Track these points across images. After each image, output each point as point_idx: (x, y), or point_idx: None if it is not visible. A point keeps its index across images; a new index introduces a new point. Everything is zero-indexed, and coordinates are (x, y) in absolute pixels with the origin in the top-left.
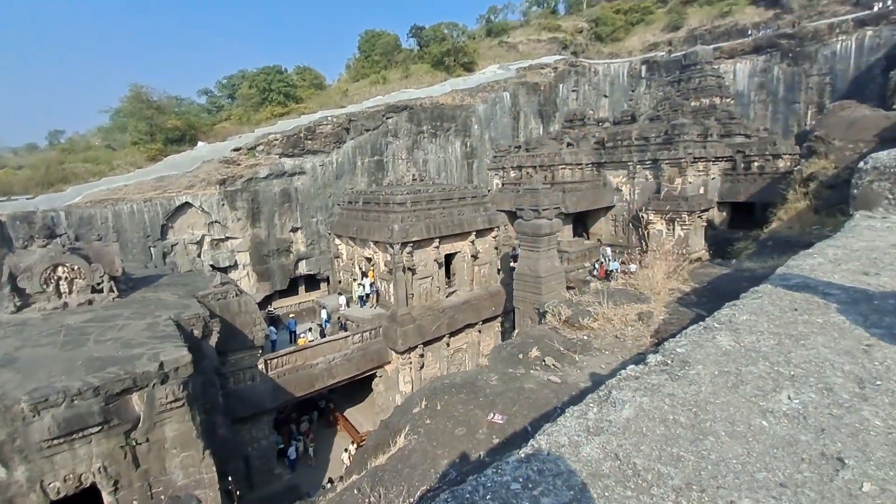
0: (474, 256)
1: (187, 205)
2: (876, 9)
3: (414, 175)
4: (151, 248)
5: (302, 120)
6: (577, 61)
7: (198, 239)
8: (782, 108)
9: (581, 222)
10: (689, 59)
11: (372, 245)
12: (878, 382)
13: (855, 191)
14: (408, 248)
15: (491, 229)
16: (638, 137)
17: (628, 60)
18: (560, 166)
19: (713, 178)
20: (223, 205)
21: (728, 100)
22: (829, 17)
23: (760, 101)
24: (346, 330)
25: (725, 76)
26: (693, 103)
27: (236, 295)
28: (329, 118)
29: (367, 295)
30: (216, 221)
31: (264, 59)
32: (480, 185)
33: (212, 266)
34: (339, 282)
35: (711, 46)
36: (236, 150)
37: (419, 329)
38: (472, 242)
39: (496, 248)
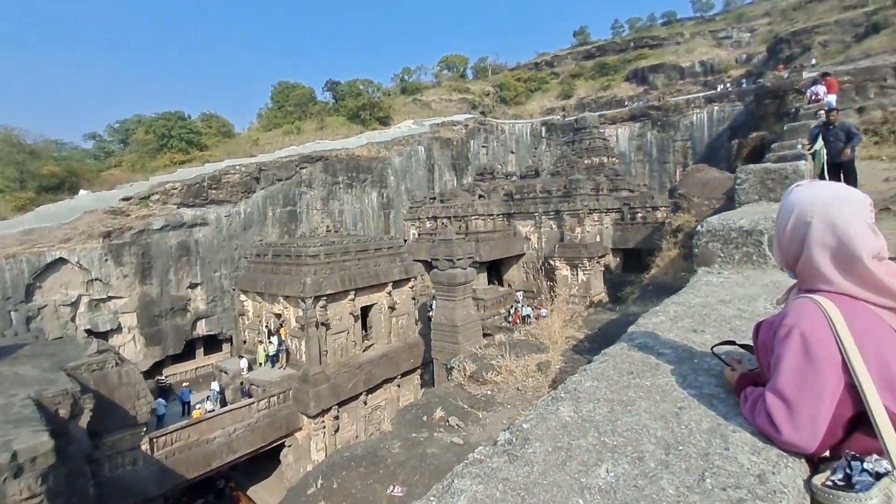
0: (391, 307)
1: (61, 261)
2: (719, 89)
3: (328, 226)
4: (12, 313)
5: (206, 168)
6: (485, 120)
7: (73, 300)
8: (657, 167)
9: (495, 270)
10: (579, 123)
11: (282, 300)
12: (680, 447)
13: (696, 250)
14: (321, 302)
15: (408, 279)
16: (542, 191)
17: (530, 122)
18: (473, 217)
19: (607, 227)
20: (106, 260)
21: (614, 159)
22: (685, 94)
23: (639, 160)
24: (250, 396)
25: (610, 139)
26: (586, 161)
27: (116, 364)
28: (237, 167)
29: (276, 355)
30: (97, 279)
31: (167, 105)
32: (397, 234)
33: (88, 331)
34: (244, 342)
35: (597, 113)
36: (126, 199)
37: (334, 388)
38: (389, 293)
39: (413, 299)
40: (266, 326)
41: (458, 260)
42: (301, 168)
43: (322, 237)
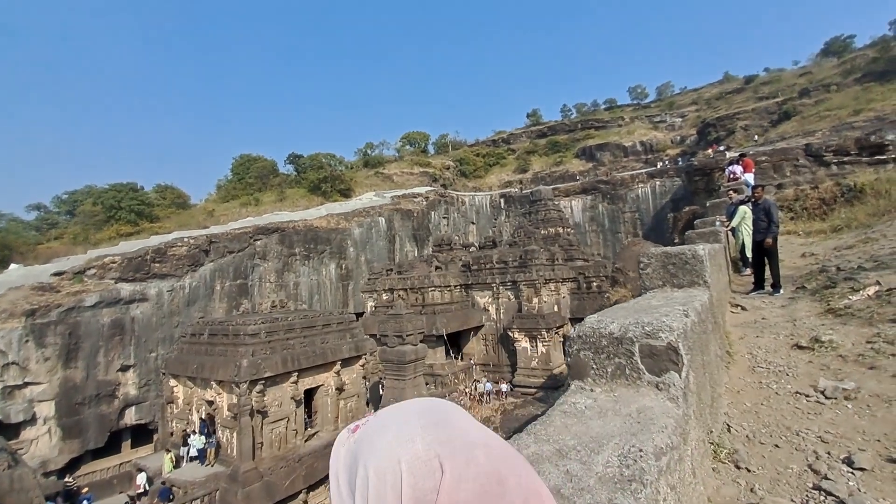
0: (339, 389)
1: None
2: (659, 166)
3: (274, 302)
4: None
5: (151, 241)
6: (446, 192)
7: None
8: (609, 236)
9: (454, 343)
10: (535, 196)
11: (214, 385)
12: None
13: (568, 359)
14: (258, 387)
15: (359, 357)
16: (498, 261)
17: (489, 194)
18: (430, 288)
19: (564, 297)
20: (27, 341)
21: (569, 229)
22: (630, 170)
23: (593, 230)
24: (171, 500)
25: (565, 210)
26: (542, 231)
27: (8, 467)
28: (185, 239)
29: (203, 450)
30: (14, 363)
31: (124, 176)
32: (356, 307)
33: None
34: (171, 434)
35: (551, 186)
36: (58, 274)
37: (268, 488)
38: (338, 373)
39: (364, 378)
40: (198, 415)
41: (407, 336)
42: (255, 240)
43: (264, 314)
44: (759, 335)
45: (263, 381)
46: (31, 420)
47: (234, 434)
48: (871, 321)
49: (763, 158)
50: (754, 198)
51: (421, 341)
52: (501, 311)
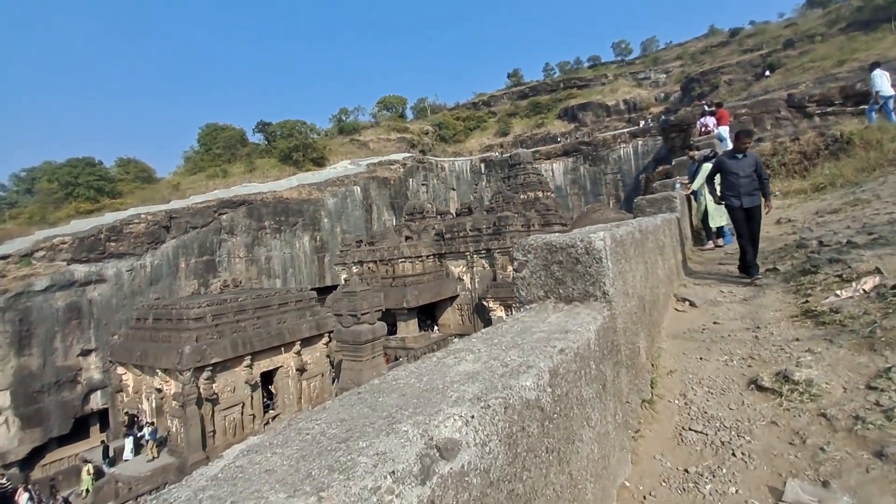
0: (301, 370)
1: None
2: (641, 125)
3: (226, 281)
4: None
5: (105, 218)
6: (424, 158)
7: None
8: (591, 198)
9: (428, 314)
10: (514, 160)
11: (160, 373)
12: None
13: None
14: (205, 374)
15: (321, 335)
16: (472, 229)
17: (469, 159)
18: (400, 259)
19: None
20: None
21: (549, 193)
22: (612, 130)
23: (575, 193)
24: (116, 497)
25: (546, 173)
26: (521, 196)
27: None
28: (143, 215)
29: (155, 440)
30: None
31: (85, 150)
32: (334, 280)
33: None
34: (124, 423)
35: (532, 150)
36: (3, 258)
37: None
38: (298, 353)
39: (328, 357)
40: (148, 404)
41: (363, 314)
42: (220, 214)
43: (212, 295)
44: (704, 356)
45: (211, 368)
46: None
47: (182, 424)
48: (872, 342)
49: (743, 111)
50: (741, 149)
51: (394, 314)
52: (476, 280)
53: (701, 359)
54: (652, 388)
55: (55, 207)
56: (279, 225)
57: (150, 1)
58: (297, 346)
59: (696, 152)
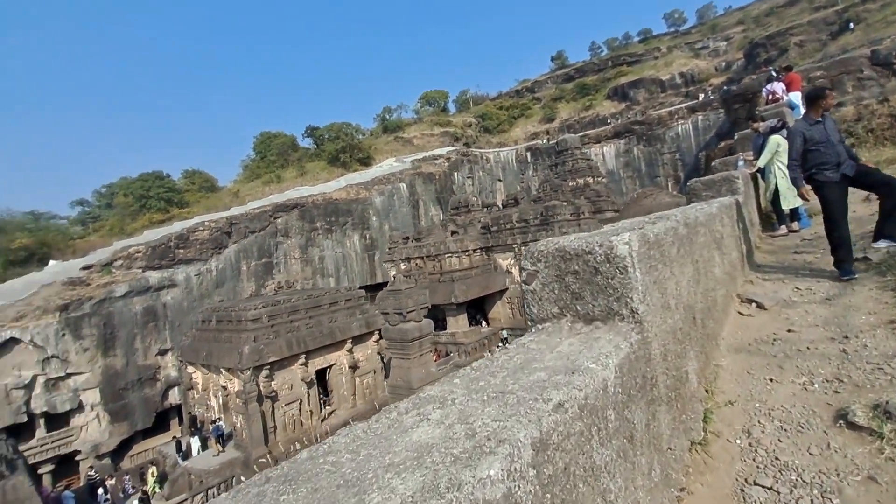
0: (353, 367)
1: (13, 341)
2: (701, 98)
3: (279, 283)
4: None
5: (174, 227)
6: (468, 151)
7: (27, 381)
8: (647, 181)
9: (479, 308)
10: (561, 146)
11: (224, 372)
12: None
13: None
14: (264, 372)
15: (371, 333)
16: (519, 220)
17: (515, 148)
18: (446, 255)
19: None
20: (64, 335)
21: (600, 178)
22: (667, 106)
23: (628, 177)
24: (190, 488)
25: (596, 158)
26: (570, 183)
27: (1, 478)
28: (206, 223)
29: (223, 434)
30: (54, 356)
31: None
32: (385, 276)
33: (46, 413)
34: (196, 419)
35: (580, 134)
36: (87, 268)
37: None
38: (350, 351)
39: (379, 354)
40: (216, 401)
41: (408, 312)
42: (275, 217)
43: (268, 297)
44: (776, 377)
45: (269, 366)
46: (79, 408)
47: (245, 420)
48: None
49: (818, 74)
50: (827, 108)
51: (443, 310)
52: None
53: (771, 380)
54: (705, 423)
55: (131, 219)
56: (330, 225)
57: (196, 19)
58: (348, 344)
59: (761, 123)
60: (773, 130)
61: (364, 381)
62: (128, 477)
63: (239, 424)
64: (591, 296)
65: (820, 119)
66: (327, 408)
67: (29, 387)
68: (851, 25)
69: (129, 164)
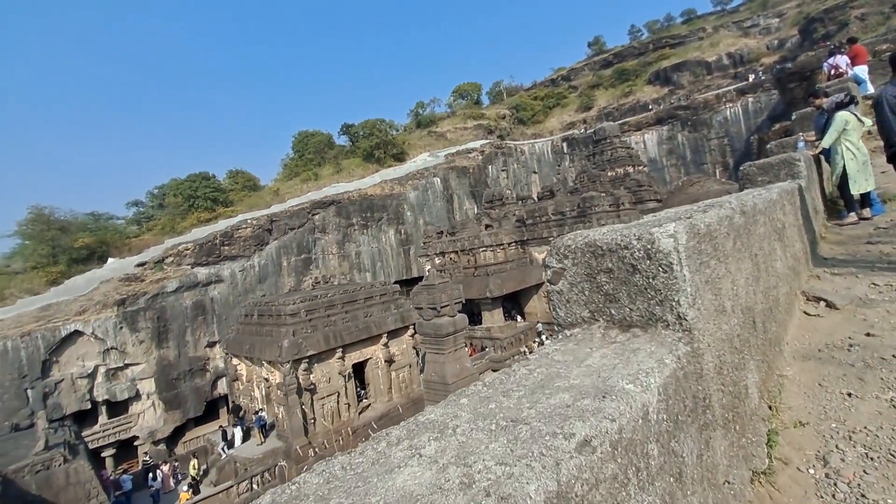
0: (389, 361)
1: (77, 333)
2: (751, 79)
3: (317, 278)
4: (28, 391)
5: (219, 225)
6: (502, 143)
7: (90, 371)
8: (693, 169)
9: (514, 303)
10: (599, 135)
11: (266, 364)
12: None
13: None
14: (303, 365)
15: (406, 328)
16: (555, 212)
17: (550, 139)
18: (481, 249)
19: None
20: (121, 328)
21: (641, 167)
22: (714, 89)
23: (672, 165)
24: (236, 475)
25: (637, 146)
26: (609, 173)
27: (64, 462)
28: (248, 221)
29: (265, 424)
30: (113, 348)
31: (201, 165)
32: (420, 271)
33: (107, 401)
34: (241, 409)
35: (619, 122)
36: (141, 265)
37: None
38: (386, 345)
39: (415, 348)
40: (259, 392)
41: (442, 307)
42: (313, 214)
43: (305, 291)
44: (856, 391)
45: (307, 360)
46: (136, 397)
47: (286, 411)
48: None
49: (884, 47)
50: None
51: (478, 304)
52: None
53: (850, 395)
54: (769, 447)
55: (181, 218)
56: (366, 221)
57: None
58: (384, 339)
59: (825, 99)
60: (840, 106)
61: (400, 375)
62: (178, 464)
63: (280, 415)
64: (627, 298)
65: None
66: (364, 401)
67: (91, 376)
68: None
69: (179, 165)
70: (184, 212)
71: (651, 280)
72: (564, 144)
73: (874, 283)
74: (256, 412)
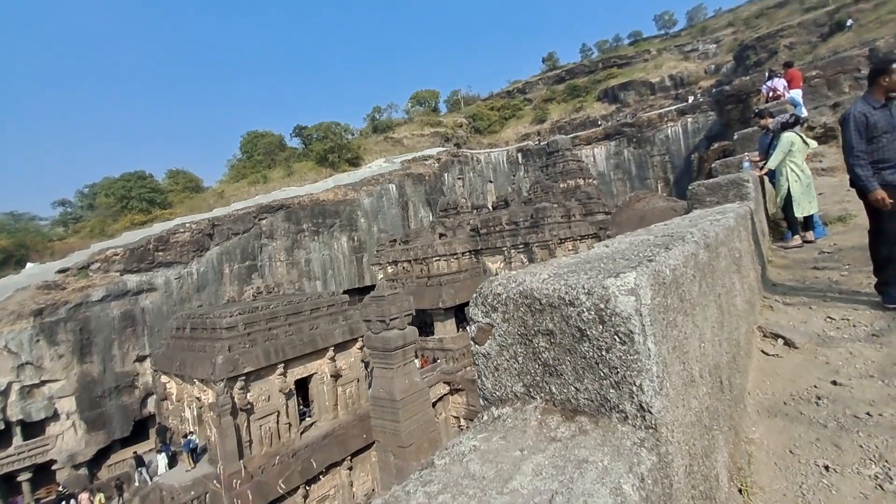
0: (335, 376)
1: None
2: (690, 100)
3: (259, 288)
4: None
5: (154, 229)
6: (459, 152)
7: (1, 389)
8: (637, 183)
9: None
10: (552, 147)
11: (198, 382)
12: None
13: None
14: (239, 383)
15: (354, 340)
16: (508, 222)
17: (506, 149)
18: (434, 258)
19: None
20: (38, 341)
21: (591, 180)
22: (657, 108)
23: (619, 178)
24: None
25: (587, 160)
26: (561, 185)
27: None
28: (187, 224)
29: (196, 448)
30: (28, 363)
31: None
32: (374, 279)
33: (21, 421)
34: (168, 431)
35: (571, 135)
36: (62, 271)
37: (259, 488)
38: (332, 359)
39: (363, 362)
40: (190, 413)
41: (391, 320)
42: (260, 219)
43: (245, 302)
44: (833, 461)
45: (244, 377)
46: (54, 416)
47: (219, 434)
48: None
49: (813, 73)
50: (887, 92)
51: (430, 314)
52: None
53: (827, 469)
54: None
55: (113, 220)
56: (317, 227)
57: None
58: (330, 352)
59: (771, 120)
60: (785, 127)
61: (347, 390)
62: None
63: (213, 438)
64: (573, 373)
65: (885, 102)
66: (308, 419)
67: (4, 394)
68: (850, 22)
69: (115, 163)
70: (116, 213)
71: (604, 353)
72: (519, 155)
73: (830, 318)
74: (185, 435)
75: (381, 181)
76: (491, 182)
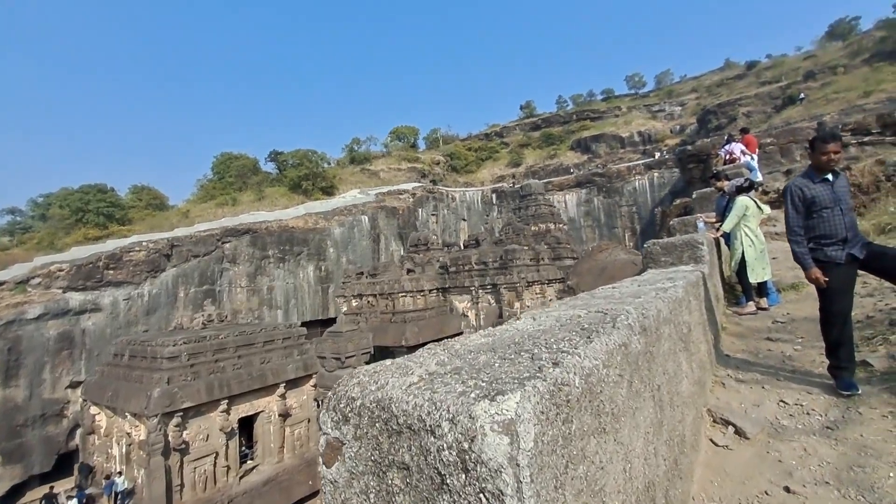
0: (284, 415)
1: None
2: (657, 156)
3: (210, 315)
4: None
5: (106, 245)
6: (434, 188)
7: None
8: (606, 231)
9: None
10: (525, 190)
11: (129, 416)
12: None
13: None
14: (175, 420)
15: (309, 376)
16: (478, 262)
17: (481, 189)
18: (401, 293)
19: (550, 300)
20: None
21: (561, 225)
22: (626, 161)
23: (588, 225)
24: None
25: (559, 205)
26: (533, 228)
27: None
28: (143, 243)
29: (122, 492)
30: None
31: (101, 177)
32: (338, 311)
33: None
34: (92, 471)
35: (544, 180)
36: None
37: None
38: (283, 397)
39: (316, 401)
40: (118, 449)
41: (347, 358)
42: (223, 242)
43: (192, 331)
44: None
45: (181, 413)
46: None
47: (147, 476)
48: None
49: (768, 141)
50: (830, 165)
51: (392, 352)
52: (482, 316)
53: None
54: None
55: (65, 233)
56: (283, 254)
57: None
58: (281, 389)
59: (726, 182)
60: (740, 190)
61: (296, 431)
62: None
63: (140, 480)
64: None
65: (830, 177)
66: (249, 462)
67: None
68: (802, 96)
69: (76, 175)
70: (69, 226)
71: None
72: (494, 196)
73: (783, 401)
74: (108, 476)
75: (354, 212)
76: (465, 220)
